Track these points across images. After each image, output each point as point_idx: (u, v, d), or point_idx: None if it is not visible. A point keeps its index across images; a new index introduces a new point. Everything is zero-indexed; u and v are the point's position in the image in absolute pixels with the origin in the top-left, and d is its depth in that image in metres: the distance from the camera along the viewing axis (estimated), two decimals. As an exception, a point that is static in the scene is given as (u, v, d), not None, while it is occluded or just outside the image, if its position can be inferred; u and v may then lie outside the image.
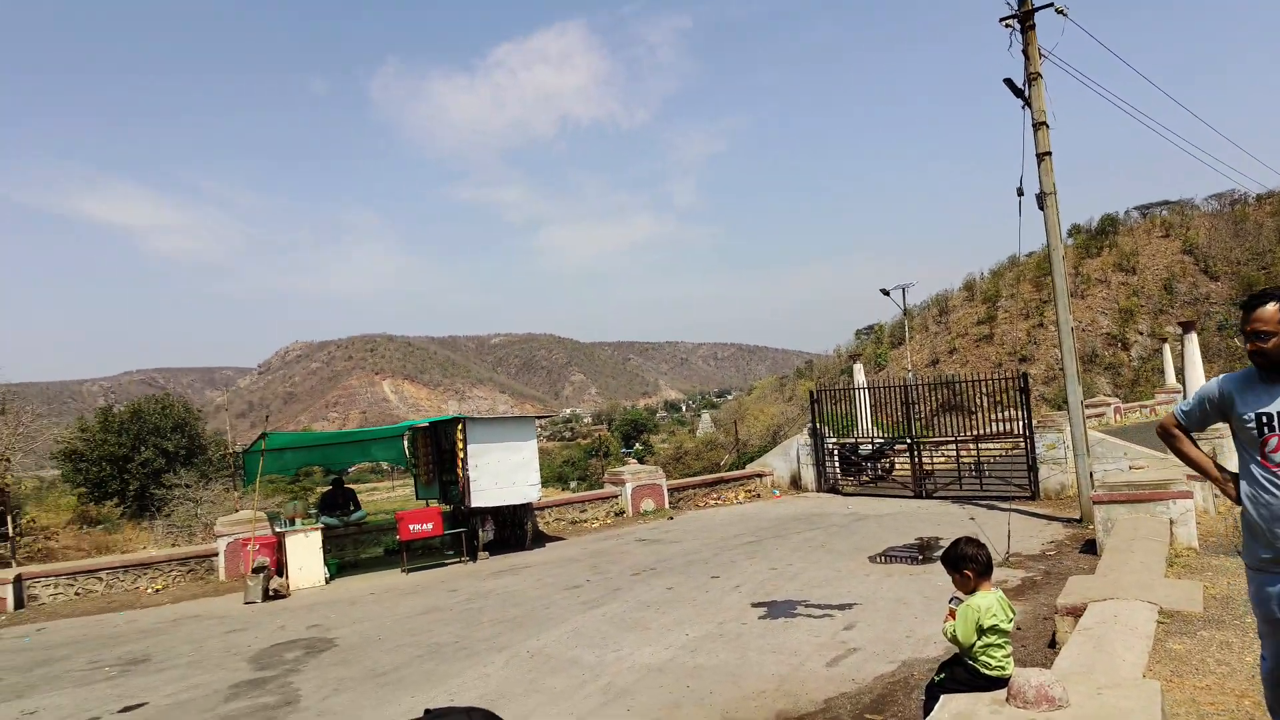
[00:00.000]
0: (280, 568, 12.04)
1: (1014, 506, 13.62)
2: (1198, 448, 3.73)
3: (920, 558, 10.30)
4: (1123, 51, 13.38)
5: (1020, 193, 12.21)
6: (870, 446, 18.16)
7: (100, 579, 12.66)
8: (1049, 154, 11.95)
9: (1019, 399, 14.72)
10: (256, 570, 11.47)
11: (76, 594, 12.41)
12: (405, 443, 15.06)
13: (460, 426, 12.99)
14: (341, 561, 13.62)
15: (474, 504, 12.86)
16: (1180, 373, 29.19)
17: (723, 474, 20.83)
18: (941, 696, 3.80)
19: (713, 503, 17.90)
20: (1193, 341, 26.05)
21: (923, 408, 17.42)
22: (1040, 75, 11.96)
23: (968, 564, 3.94)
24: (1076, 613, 5.71)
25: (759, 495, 18.39)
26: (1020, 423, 14.78)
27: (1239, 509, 3.49)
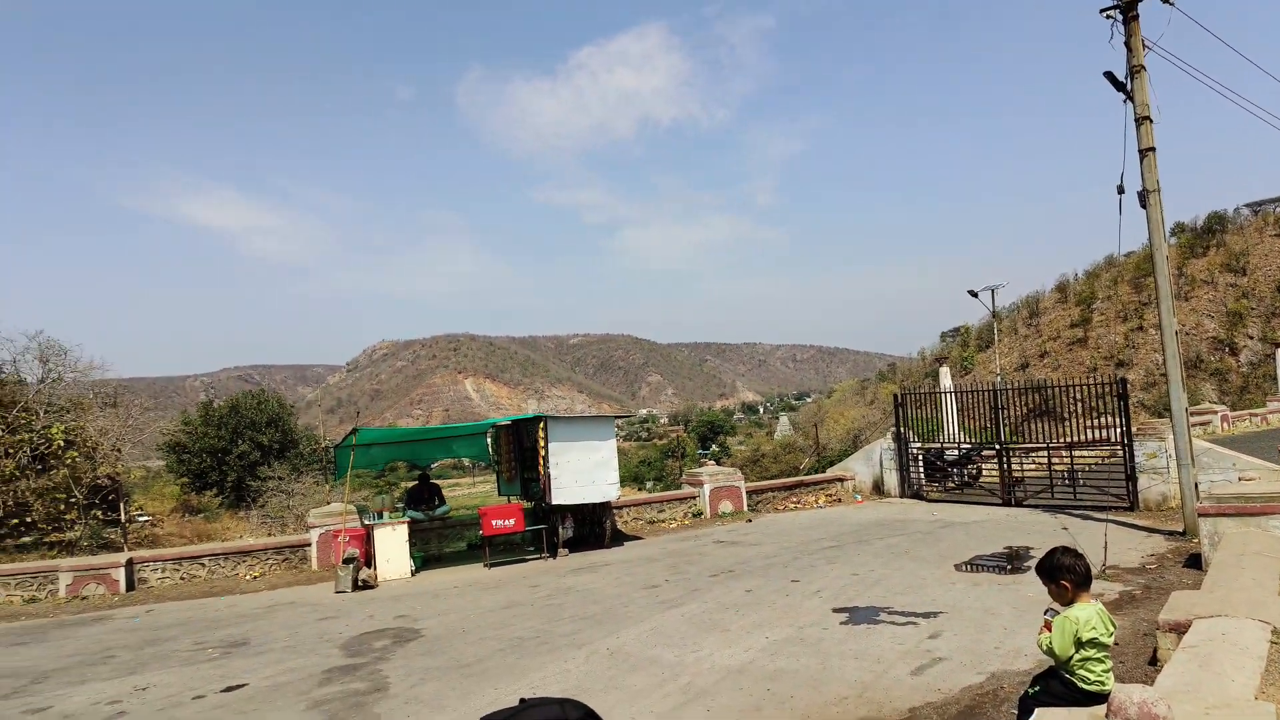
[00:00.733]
0: (369, 559, 12.47)
1: (1111, 517, 13.06)
2: None
3: (1009, 567, 9.98)
4: (1230, 37, 12.63)
5: (1121, 190, 11.72)
6: (956, 452, 17.67)
7: (203, 565, 13.37)
8: (1152, 150, 11.42)
9: (1117, 405, 14.14)
10: (347, 561, 11.91)
11: (181, 578, 13.13)
12: (488, 440, 15.39)
13: (542, 425, 13.18)
14: (426, 555, 14.01)
15: (555, 501, 13.04)
16: (1295, 380, 27.49)
17: (802, 477, 20.60)
18: (1036, 710, 3.70)
19: (791, 506, 17.70)
20: (1309, 347, 24.51)
21: (1012, 413, 16.88)
22: (1144, 68, 11.45)
23: (1065, 574, 3.82)
24: (1180, 629, 5.44)
25: (839, 500, 18.10)
26: (1118, 430, 14.20)
27: None
